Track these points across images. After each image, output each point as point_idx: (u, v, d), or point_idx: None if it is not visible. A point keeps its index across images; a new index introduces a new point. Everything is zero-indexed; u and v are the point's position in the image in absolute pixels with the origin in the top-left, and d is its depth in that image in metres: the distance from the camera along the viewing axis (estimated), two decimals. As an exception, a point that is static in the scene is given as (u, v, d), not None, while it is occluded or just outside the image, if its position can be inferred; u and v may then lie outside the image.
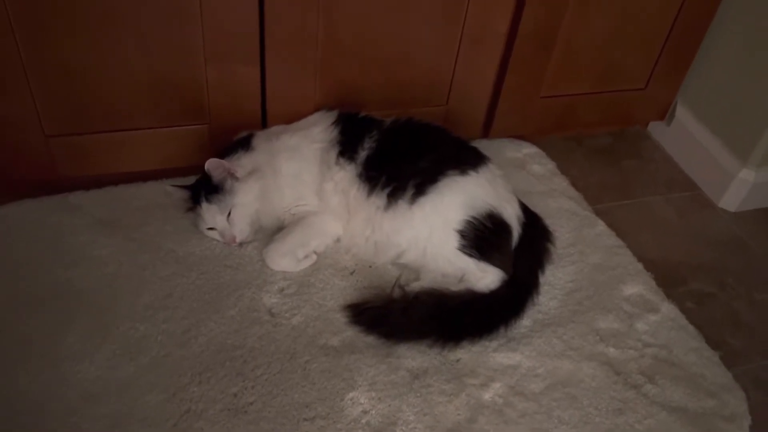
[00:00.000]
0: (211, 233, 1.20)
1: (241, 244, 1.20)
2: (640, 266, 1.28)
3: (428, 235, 1.14)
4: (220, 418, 0.95)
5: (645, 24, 1.40)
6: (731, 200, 1.46)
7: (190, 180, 1.22)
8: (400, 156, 1.19)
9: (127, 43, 1.12)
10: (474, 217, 1.13)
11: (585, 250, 1.29)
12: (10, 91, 1.10)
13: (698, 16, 1.41)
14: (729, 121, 1.45)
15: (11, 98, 1.11)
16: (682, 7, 1.38)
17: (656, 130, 1.63)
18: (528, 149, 1.51)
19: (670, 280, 1.27)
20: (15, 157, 1.19)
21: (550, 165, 1.48)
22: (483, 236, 1.14)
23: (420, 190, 1.14)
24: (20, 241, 1.15)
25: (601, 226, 1.35)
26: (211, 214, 1.17)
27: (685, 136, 1.54)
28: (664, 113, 1.58)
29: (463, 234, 1.13)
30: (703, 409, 1.05)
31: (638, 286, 1.23)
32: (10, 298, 1.06)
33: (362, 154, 1.20)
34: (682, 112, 1.55)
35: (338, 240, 1.23)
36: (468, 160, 1.20)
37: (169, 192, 1.24)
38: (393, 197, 1.15)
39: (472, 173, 1.17)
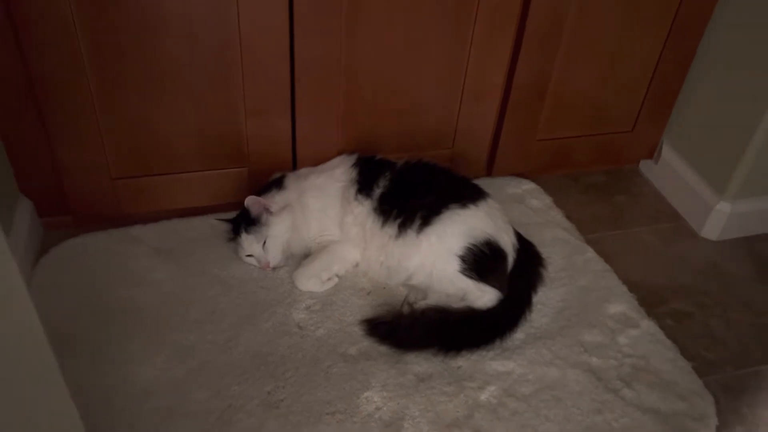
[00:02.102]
0: (248, 260, 1.39)
1: (274, 269, 1.39)
2: (624, 288, 1.43)
3: (433, 260, 1.31)
4: (256, 412, 1.13)
5: (628, 73, 1.58)
6: (712, 230, 1.61)
7: (232, 214, 1.42)
8: (409, 192, 1.37)
9: (183, 100, 1.34)
10: (473, 244, 1.30)
11: (575, 274, 1.45)
12: (85, 140, 1.33)
13: (676, 66, 1.59)
14: (707, 158, 1.61)
15: (86, 147, 1.34)
16: (661, 57, 1.56)
17: (646, 167, 1.80)
18: (527, 186, 1.69)
19: (651, 301, 1.43)
20: (87, 196, 1.41)
21: (547, 200, 1.66)
22: (481, 261, 1.30)
23: (426, 221, 1.32)
24: (92, 266, 1.36)
25: (590, 253, 1.51)
26: (249, 243, 1.37)
27: (671, 172, 1.71)
28: (652, 152, 1.76)
29: (463, 259, 1.30)
30: (674, 410, 1.20)
31: (622, 305, 1.39)
32: (86, 312, 1.27)
33: (377, 191, 1.38)
34: (667, 151, 1.72)
35: (357, 265, 1.41)
36: (469, 195, 1.37)
37: (214, 225, 1.45)
38: (403, 228, 1.33)
39: (472, 206, 1.35)
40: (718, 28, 1.52)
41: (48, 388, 0.62)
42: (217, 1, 1.22)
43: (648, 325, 1.35)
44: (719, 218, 1.58)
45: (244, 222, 1.36)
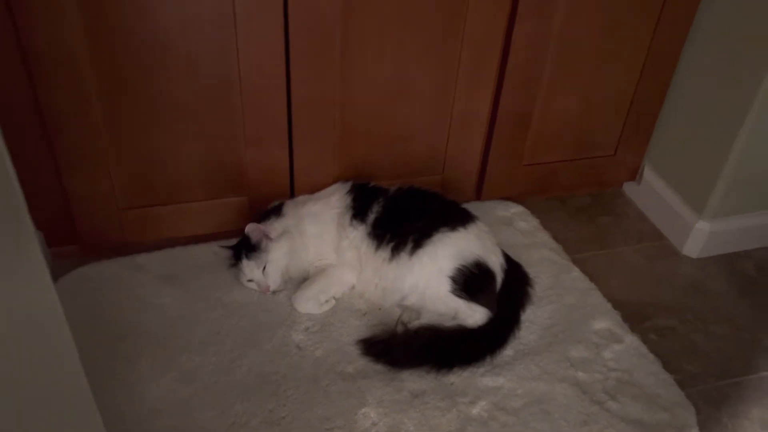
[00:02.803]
0: (249, 284, 1.45)
1: (274, 292, 1.45)
2: (609, 305, 1.50)
3: (426, 281, 1.37)
4: (259, 429, 1.19)
5: (608, 101, 1.66)
6: (693, 248, 1.68)
7: (233, 241, 1.48)
8: (402, 217, 1.43)
9: (186, 133, 1.41)
10: (463, 266, 1.37)
11: (561, 293, 1.52)
12: (94, 172, 1.39)
13: (653, 93, 1.67)
14: (686, 180, 1.69)
15: (95, 178, 1.40)
16: (638, 85, 1.65)
17: (629, 189, 1.88)
18: (515, 209, 1.76)
19: (635, 317, 1.49)
20: (95, 226, 1.48)
21: (535, 222, 1.73)
22: (471, 281, 1.37)
23: (418, 244, 1.38)
24: (101, 293, 1.42)
25: (576, 272, 1.58)
26: (250, 268, 1.43)
27: (653, 193, 1.78)
28: (634, 174, 1.83)
29: (454, 279, 1.36)
30: (657, 421, 1.26)
31: (606, 321, 1.45)
32: (96, 336, 1.32)
33: (371, 217, 1.45)
34: (649, 173, 1.80)
35: (353, 287, 1.47)
36: (458, 218, 1.44)
37: (217, 251, 1.52)
38: (396, 251, 1.39)
39: (461, 229, 1.42)
40: (691, 55, 1.61)
41: (80, 408, 0.68)
42: (218, 41, 1.30)
43: (632, 340, 1.42)
44: (699, 237, 1.66)
45: (245, 248, 1.42)
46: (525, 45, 1.47)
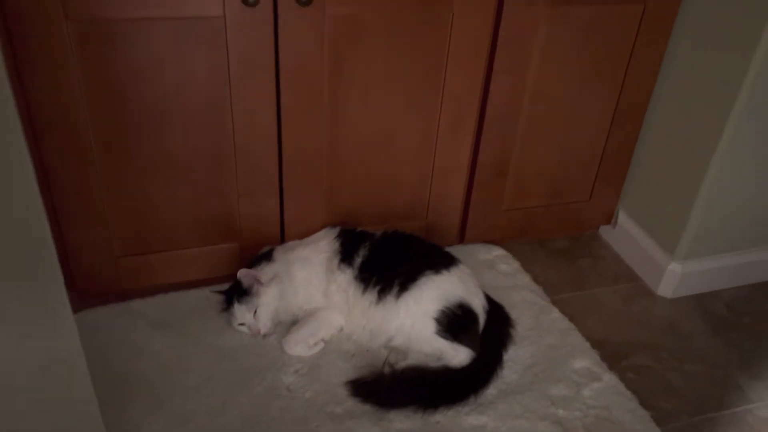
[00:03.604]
0: (241, 328, 1.49)
1: (264, 336, 1.49)
2: (588, 345, 1.55)
3: (411, 323, 1.43)
4: (250, 470, 1.23)
5: (581, 150, 1.76)
6: (666, 289, 1.76)
7: (225, 286, 1.54)
8: (388, 261, 1.49)
9: (182, 184, 1.48)
10: (447, 307, 1.42)
11: (542, 333, 1.58)
12: (92, 222, 1.45)
13: (623, 142, 1.77)
14: (658, 223, 1.77)
15: (93, 228, 1.46)
16: (609, 135, 1.74)
17: (605, 232, 1.96)
18: (497, 252, 1.84)
19: (613, 356, 1.55)
20: (91, 274, 1.53)
21: (516, 264, 1.80)
22: (455, 322, 1.42)
23: (403, 287, 1.44)
24: (97, 339, 1.45)
25: (556, 313, 1.64)
26: (241, 312, 1.48)
27: (627, 236, 1.87)
28: (610, 218, 1.92)
29: (439, 321, 1.42)
30: (635, 456, 1.31)
31: (585, 360, 1.51)
32: (91, 381, 1.36)
33: (358, 261, 1.51)
34: (623, 217, 1.89)
35: (341, 329, 1.51)
36: (442, 262, 1.50)
37: (209, 297, 1.57)
38: (383, 294, 1.45)
39: (445, 272, 1.48)
40: (657, 106, 1.71)
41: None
42: (213, 100, 1.39)
43: (610, 378, 1.47)
44: (672, 278, 1.73)
45: (237, 293, 1.48)
46: (501, 99, 1.57)
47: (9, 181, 0.54)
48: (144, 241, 1.53)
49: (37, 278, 0.59)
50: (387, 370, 1.41)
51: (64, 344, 0.63)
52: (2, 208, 0.55)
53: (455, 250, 1.61)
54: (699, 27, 1.56)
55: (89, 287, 1.54)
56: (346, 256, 1.53)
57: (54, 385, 0.64)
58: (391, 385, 1.38)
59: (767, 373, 1.56)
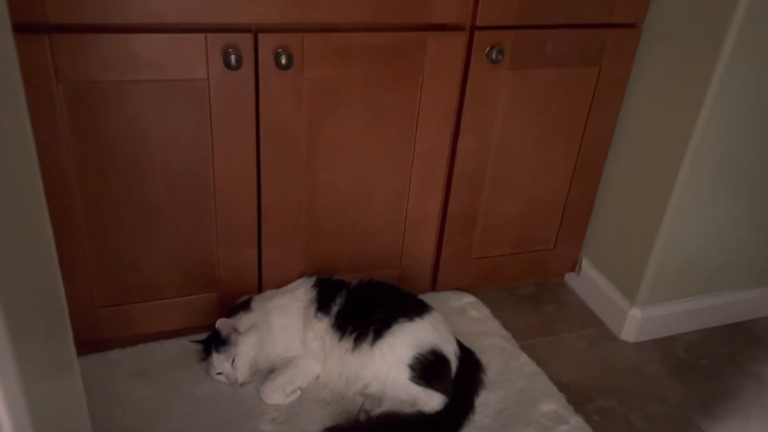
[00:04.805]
0: (219, 377, 1.52)
1: (242, 384, 1.52)
2: (555, 389, 1.62)
3: (386, 370, 1.47)
4: None
5: (544, 202, 1.86)
6: (629, 333, 1.84)
7: (203, 335, 1.58)
8: (363, 309, 1.55)
9: (162, 235, 1.52)
10: (421, 354, 1.48)
11: (511, 378, 1.64)
12: (74, 272, 1.48)
13: (584, 194, 1.87)
14: (619, 271, 1.87)
15: (75, 278, 1.49)
16: (570, 188, 1.85)
17: (570, 279, 2.05)
18: (468, 299, 1.91)
19: (579, 399, 1.62)
20: (72, 323, 1.55)
21: (486, 311, 1.87)
22: (428, 368, 1.47)
23: (378, 335, 1.49)
24: (74, 389, 1.48)
25: (524, 358, 1.71)
26: (219, 361, 1.51)
27: (591, 283, 1.96)
28: (574, 266, 2.02)
29: (412, 367, 1.47)
30: (601, 496, 1.36)
31: (553, 404, 1.57)
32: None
33: (335, 309, 1.56)
34: (586, 265, 1.98)
35: (318, 377, 1.55)
36: (415, 309, 1.56)
37: (187, 346, 1.60)
38: (358, 341, 1.50)
39: (418, 319, 1.54)
40: (614, 161, 1.83)
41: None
42: (196, 153, 1.45)
43: (577, 420, 1.53)
44: (634, 323, 1.82)
45: (215, 342, 1.51)
46: (469, 155, 1.67)
47: (34, 249, 0.60)
48: (125, 291, 1.57)
49: (55, 333, 0.64)
50: (363, 416, 1.45)
51: (72, 391, 0.68)
52: (29, 272, 0.61)
53: (428, 298, 1.67)
54: (649, 87, 1.69)
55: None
56: (322, 304, 1.58)
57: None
58: (366, 430, 1.42)
59: (724, 413, 1.64)
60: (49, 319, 0.65)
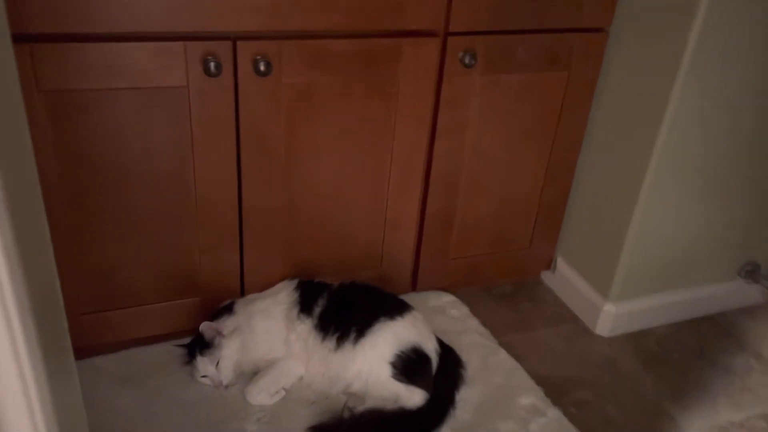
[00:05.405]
0: (203, 380, 1.54)
1: (227, 387, 1.54)
2: (532, 383, 1.66)
3: (368, 368, 1.50)
4: None
5: (519, 202, 1.91)
6: (603, 328, 1.90)
7: (187, 339, 1.60)
8: (345, 310, 1.58)
9: (144, 242, 1.54)
10: (402, 351, 1.51)
11: (490, 373, 1.68)
12: (60, 282, 1.51)
13: (557, 194, 1.93)
14: (592, 268, 1.93)
15: (61, 287, 1.51)
16: (543, 189, 1.90)
17: (546, 277, 2.11)
18: (447, 298, 1.95)
19: (556, 392, 1.66)
20: (53, 331, 1.56)
21: (465, 309, 1.91)
22: (409, 365, 1.51)
23: (360, 334, 1.52)
24: (58, 396, 1.49)
25: (503, 354, 1.75)
26: (203, 364, 1.53)
27: (566, 280, 2.02)
28: (549, 264, 2.07)
29: (394, 365, 1.50)
30: (579, 484, 1.41)
31: (531, 397, 1.62)
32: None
33: (317, 311, 1.59)
34: (561, 263, 2.04)
35: (301, 378, 1.58)
36: (396, 309, 1.59)
37: (171, 350, 1.61)
38: (340, 341, 1.54)
39: (399, 318, 1.57)
40: (586, 161, 1.89)
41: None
42: (176, 161, 1.48)
43: (554, 413, 1.58)
44: (607, 318, 1.88)
45: (199, 346, 1.53)
46: (444, 158, 1.72)
47: (37, 256, 0.62)
48: (107, 298, 1.58)
49: (54, 341, 0.67)
50: (346, 414, 1.48)
51: (74, 402, 0.70)
52: (35, 278, 0.63)
53: (408, 298, 1.71)
54: (616, 89, 1.76)
55: (51, 345, 1.57)
56: (305, 306, 1.61)
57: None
58: (350, 428, 1.45)
59: (694, 402, 1.70)
60: (51, 328, 0.67)
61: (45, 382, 0.59)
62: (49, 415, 0.61)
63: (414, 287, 1.94)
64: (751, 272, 2.01)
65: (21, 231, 0.56)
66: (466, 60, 1.58)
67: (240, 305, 1.62)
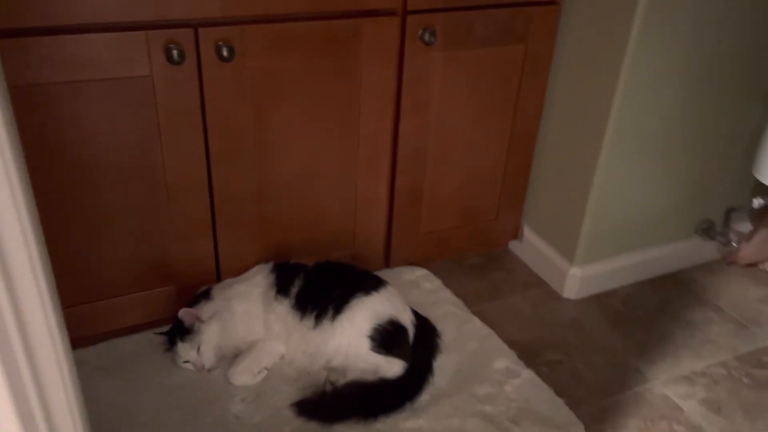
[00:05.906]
0: (185, 365, 1.57)
1: (209, 370, 1.57)
2: (506, 347, 1.73)
3: (348, 343, 1.55)
4: (208, 495, 1.30)
5: (484, 175, 1.97)
6: (570, 291, 1.98)
7: (167, 327, 1.62)
8: (321, 288, 1.61)
9: (117, 234, 1.55)
10: (379, 325, 1.56)
11: (465, 341, 1.74)
12: (30, 278, 1.51)
13: (519, 167, 1.99)
14: (557, 234, 2.00)
15: (31, 284, 1.52)
16: (507, 161, 1.96)
17: (514, 246, 2.18)
18: (420, 272, 2.00)
19: (529, 354, 1.74)
20: (31, 327, 1.57)
21: (437, 282, 1.97)
22: (387, 337, 1.56)
23: (337, 310, 1.56)
24: (40, 390, 1.50)
25: (476, 321, 1.82)
26: (185, 350, 1.56)
27: (533, 248, 2.09)
28: (516, 234, 2.14)
29: (372, 338, 1.55)
30: (553, 438, 1.48)
31: (505, 361, 1.69)
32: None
33: (294, 291, 1.62)
34: (527, 232, 2.11)
35: (282, 357, 1.62)
36: (371, 284, 1.63)
37: (152, 339, 1.63)
38: (318, 318, 1.57)
39: (374, 293, 1.61)
40: (546, 131, 1.95)
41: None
42: (145, 151, 1.48)
43: (527, 374, 1.65)
44: (573, 281, 1.96)
45: (179, 332, 1.56)
46: (410, 135, 1.76)
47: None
48: (83, 290, 1.59)
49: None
50: (328, 388, 1.53)
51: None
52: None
53: (382, 274, 1.76)
54: (572, 61, 1.81)
55: (29, 342, 1.57)
56: (282, 287, 1.64)
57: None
58: (333, 401, 1.50)
59: (659, 356, 1.79)
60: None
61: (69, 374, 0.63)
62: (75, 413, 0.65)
63: (387, 263, 1.99)
64: (707, 230, 2.10)
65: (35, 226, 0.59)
66: (426, 37, 1.62)
67: (217, 290, 1.65)
